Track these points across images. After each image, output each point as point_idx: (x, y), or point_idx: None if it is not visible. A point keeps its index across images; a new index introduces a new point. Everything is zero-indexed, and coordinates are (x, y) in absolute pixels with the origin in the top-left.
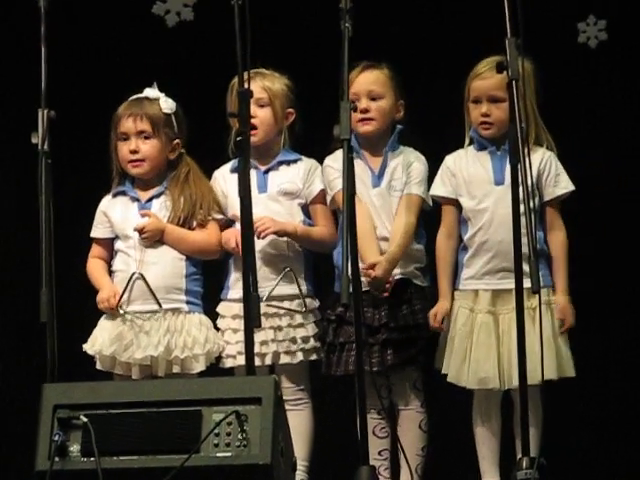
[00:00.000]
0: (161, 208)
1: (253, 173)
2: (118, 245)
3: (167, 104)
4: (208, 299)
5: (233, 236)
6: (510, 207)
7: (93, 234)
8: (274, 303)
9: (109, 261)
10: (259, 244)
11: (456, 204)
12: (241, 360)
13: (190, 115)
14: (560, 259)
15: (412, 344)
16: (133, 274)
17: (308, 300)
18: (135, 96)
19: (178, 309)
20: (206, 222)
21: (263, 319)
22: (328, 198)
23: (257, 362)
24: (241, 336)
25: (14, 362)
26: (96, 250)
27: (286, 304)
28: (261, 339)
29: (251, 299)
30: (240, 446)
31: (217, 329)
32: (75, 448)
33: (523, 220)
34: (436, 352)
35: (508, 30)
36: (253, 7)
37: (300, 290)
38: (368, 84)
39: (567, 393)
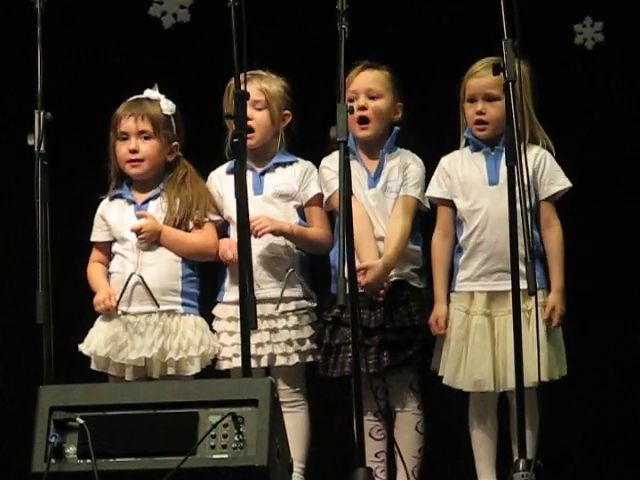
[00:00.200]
0: (157, 210)
1: (249, 175)
2: (115, 247)
3: (167, 105)
4: (204, 301)
5: (229, 247)
6: (505, 207)
7: (92, 238)
8: (280, 306)
9: (109, 264)
10: (256, 247)
11: (451, 205)
12: (237, 362)
13: (186, 116)
14: (556, 256)
15: (408, 346)
16: (132, 274)
17: (304, 302)
18: (135, 96)
19: (173, 311)
20: (202, 223)
21: (259, 321)
22: (324, 199)
23: (253, 364)
24: (237, 338)
25: (13, 362)
26: (96, 254)
27: (282, 307)
28: (257, 341)
29: (247, 301)
30: (237, 448)
31: (213, 331)
32: (71, 450)
33: (519, 221)
34: (433, 354)
35: (505, 31)
36: (249, 8)
37: (305, 289)
38: (367, 83)
39: (564, 395)
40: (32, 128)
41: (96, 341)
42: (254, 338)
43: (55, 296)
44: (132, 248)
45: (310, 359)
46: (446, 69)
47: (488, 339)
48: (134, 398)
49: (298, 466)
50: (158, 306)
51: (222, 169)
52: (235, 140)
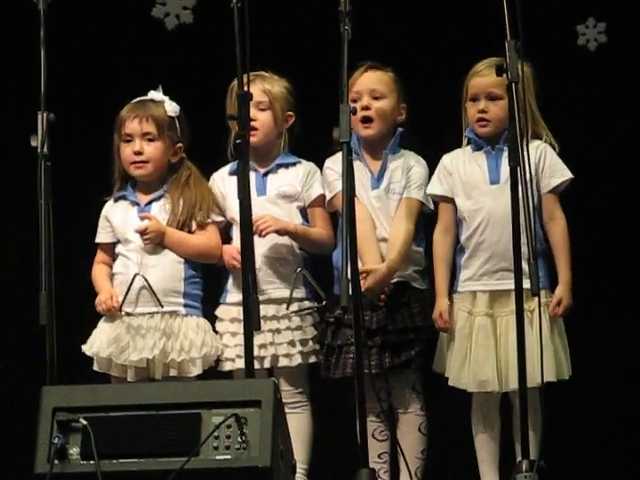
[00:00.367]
0: (160, 211)
1: (252, 176)
2: (119, 249)
3: (172, 107)
4: (208, 302)
5: (233, 258)
6: (506, 206)
7: (97, 239)
8: (291, 308)
9: (113, 265)
10: (259, 248)
11: (453, 202)
12: (240, 363)
13: (189, 118)
14: (561, 249)
15: (410, 347)
16: (136, 275)
17: (307, 303)
18: (140, 98)
19: (175, 312)
20: (205, 225)
21: (262, 322)
22: (327, 200)
23: (256, 365)
24: (240, 339)
25: (16, 363)
26: (100, 255)
27: (284, 306)
28: (260, 342)
29: (251, 302)
30: (240, 449)
31: (216, 332)
32: (75, 451)
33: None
34: (435, 355)
35: (508, 32)
36: (252, 9)
37: (315, 289)
38: (371, 83)
39: (566, 395)
40: (34, 129)
41: (98, 342)
42: (257, 339)
43: (58, 297)
44: (135, 249)
45: (313, 360)
46: (448, 70)
47: (491, 339)
48: (137, 399)
49: (301, 467)
50: (162, 306)
51: (225, 170)
52: (238, 141)
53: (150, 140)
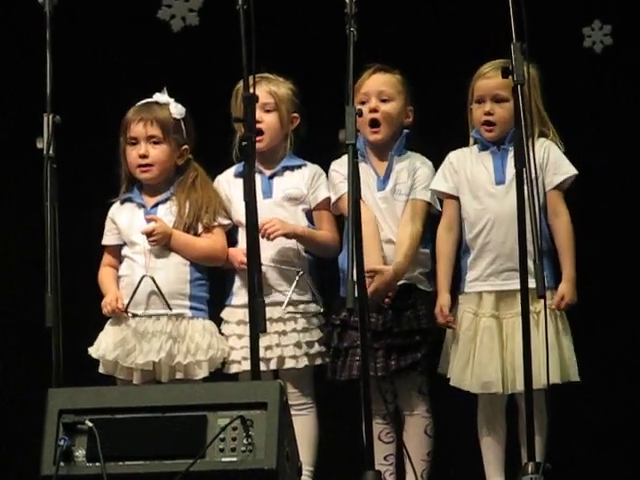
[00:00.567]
0: (166, 213)
1: (258, 178)
2: (125, 251)
3: (177, 109)
4: (213, 304)
5: (239, 257)
6: (511, 206)
7: (103, 242)
8: (289, 308)
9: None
10: (265, 250)
11: (457, 199)
12: (246, 365)
13: (195, 120)
14: (565, 246)
15: (416, 349)
16: (143, 277)
17: (313, 305)
18: (145, 100)
19: (181, 315)
20: (212, 227)
21: (268, 324)
22: (332, 202)
23: (262, 367)
24: (246, 342)
25: (21, 365)
26: (107, 258)
27: (290, 308)
28: (266, 344)
29: (257, 304)
30: (245, 451)
31: (222, 334)
32: (80, 453)
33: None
34: (441, 357)
35: (513, 35)
36: (257, 11)
37: (313, 293)
38: (379, 85)
39: (572, 397)
40: (40, 131)
41: (105, 345)
42: (263, 341)
43: (64, 299)
44: (141, 252)
45: (319, 362)
46: (453, 72)
47: (496, 341)
48: (143, 401)
49: (307, 469)
50: (170, 309)
51: (230, 172)
52: (244, 143)
53: (155, 143)
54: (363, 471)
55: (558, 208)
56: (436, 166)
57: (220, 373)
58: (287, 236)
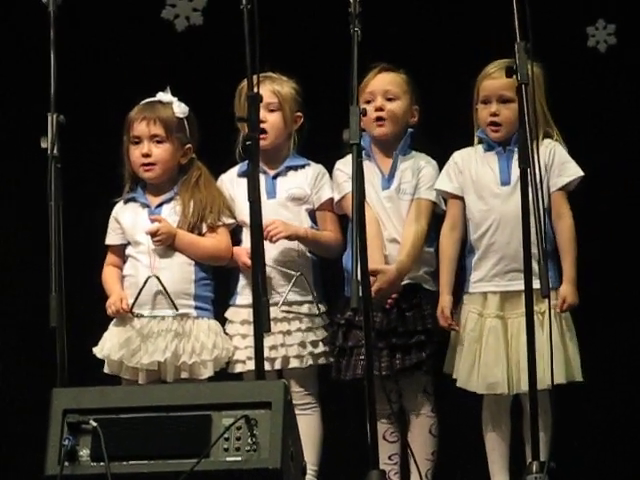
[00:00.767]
0: (170, 213)
1: (261, 178)
2: (129, 251)
3: (180, 108)
4: (218, 304)
5: (242, 255)
6: (516, 207)
7: (107, 241)
8: (289, 308)
9: (123, 267)
10: (269, 251)
11: (462, 199)
12: (250, 365)
13: (197, 119)
14: (567, 248)
15: (421, 349)
16: (149, 277)
17: (317, 305)
18: (148, 100)
19: (187, 314)
20: (216, 227)
21: (272, 324)
22: (335, 201)
23: (266, 367)
24: (250, 341)
25: (18, 362)
26: (110, 257)
27: (294, 308)
28: (270, 344)
29: (261, 304)
30: (250, 450)
31: (226, 334)
32: (85, 453)
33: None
34: (446, 356)
35: (517, 34)
36: (261, 11)
37: (313, 294)
38: (385, 84)
39: (576, 397)
40: (44, 131)
41: (110, 345)
42: (267, 341)
43: (68, 299)
44: (145, 251)
45: (323, 361)
46: (457, 71)
47: (501, 341)
48: (147, 401)
49: (311, 468)
50: (177, 309)
51: (233, 171)
52: (248, 143)
53: (158, 142)
54: (367, 470)
55: (562, 210)
56: (440, 166)
57: (224, 373)
58: (289, 238)
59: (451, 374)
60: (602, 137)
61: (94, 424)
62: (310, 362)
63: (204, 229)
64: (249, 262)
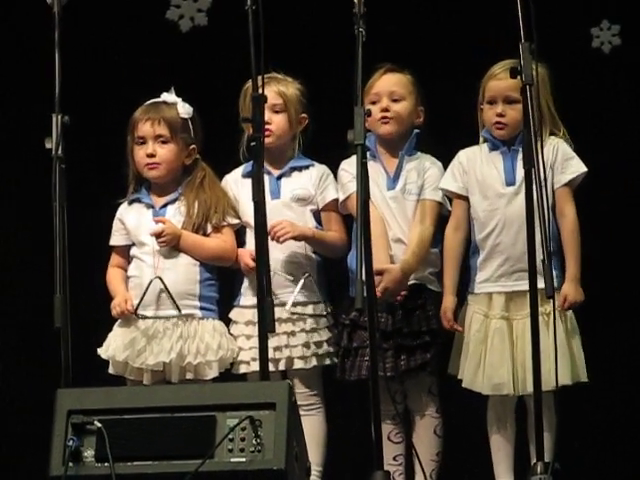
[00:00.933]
0: (175, 214)
1: (266, 179)
2: (133, 251)
3: (184, 109)
4: (223, 305)
5: (245, 256)
6: (521, 208)
7: (111, 242)
8: (297, 310)
9: (128, 268)
10: (274, 252)
11: (466, 199)
12: (255, 366)
13: (202, 119)
14: (570, 246)
15: (426, 349)
16: (153, 279)
17: (321, 306)
18: (152, 100)
19: (191, 315)
20: (221, 227)
21: (276, 325)
22: (340, 201)
23: (271, 368)
24: (254, 342)
25: (21, 363)
26: (115, 258)
27: (299, 309)
28: (274, 345)
29: (265, 304)
30: (254, 451)
31: (230, 335)
32: (89, 453)
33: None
34: (450, 357)
35: (522, 35)
36: (266, 11)
37: (319, 294)
38: (390, 85)
39: (581, 398)
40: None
41: (114, 345)
42: (272, 341)
43: (72, 300)
44: (150, 252)
45: (327, 362)
46: (462, 72)
47: (507, 342)
48: (152, 401)
49: (316, 469)
50: (180, 311)
51: (237, 172)
52: (252, 143)
53: (163, 142)
54: (372, 471)
55: (565, 207)
56: (445, 166)
57: (229, 373)
58: (296, 238)
59: (455, 375)
60: (606, 137)
61: (98, 425)
62: (314, 363)
63: (209, 229)
64: (251, 264)
